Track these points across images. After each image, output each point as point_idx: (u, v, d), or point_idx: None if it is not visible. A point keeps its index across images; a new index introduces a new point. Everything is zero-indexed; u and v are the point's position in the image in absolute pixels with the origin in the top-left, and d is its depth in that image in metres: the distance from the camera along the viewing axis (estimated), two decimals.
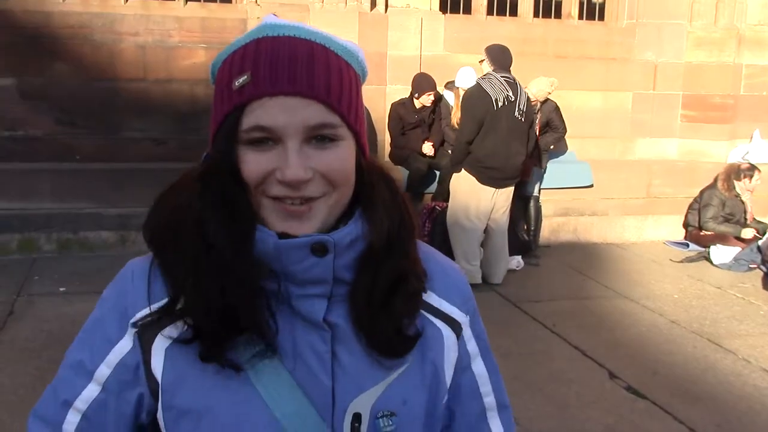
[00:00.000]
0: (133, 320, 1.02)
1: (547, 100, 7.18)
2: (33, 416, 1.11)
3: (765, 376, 4.66)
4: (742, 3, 8.65)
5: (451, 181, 6.29)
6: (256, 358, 0.99)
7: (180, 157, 7.48)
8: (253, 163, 0.96)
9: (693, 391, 4.40)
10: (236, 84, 0.96)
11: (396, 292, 1.03)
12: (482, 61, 6.19)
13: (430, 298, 1.10)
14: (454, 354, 1.13)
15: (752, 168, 7.77)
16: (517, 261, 6.83)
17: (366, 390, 1.02)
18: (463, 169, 6.09)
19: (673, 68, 8.73)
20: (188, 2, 7.61)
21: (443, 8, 8.20)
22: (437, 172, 7.28)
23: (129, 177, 7.05)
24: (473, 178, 6.04)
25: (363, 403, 1.02)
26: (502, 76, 5.95)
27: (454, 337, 1.12)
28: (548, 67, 7.95)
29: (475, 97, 5.98)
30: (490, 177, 6.00)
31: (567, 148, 8.32)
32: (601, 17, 8.84)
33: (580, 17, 8.76)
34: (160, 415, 1.03)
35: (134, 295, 1.04)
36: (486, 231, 6.25)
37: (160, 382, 1.01)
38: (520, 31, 8.25)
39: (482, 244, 6.33)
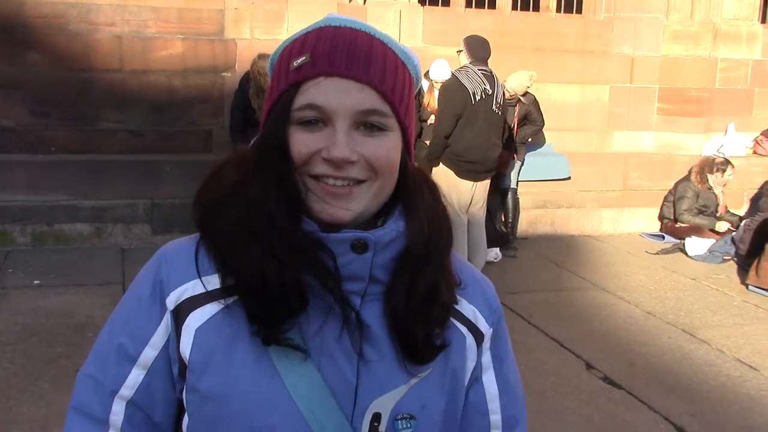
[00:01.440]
0: (168, 298, 1.02)
1: (525, 93, 7.20)
2: (73, 412, 1.09)
3: (738, 366, 4.73)
4: None
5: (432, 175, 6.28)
6: (285, 348, 0.98)
7: (157, 149, 7.43)
8: (301, 142, 0.96)
9: (668, 381, 4.46)
10: (294, 64, 0.97)
11: (431, 301, 1.03)
12: (460, 51, 6.15)
13: (461, 305, 1.10)
14: (472, 363, 1.12)
15: (725, 162, 7.86)
16: (495, 253, 6.85)
17: (388, 391, 1.02)
18: (441, 164, 6.08)
19: (650, 62, 8.80)
20: None
21: (422, 0, 8.20)
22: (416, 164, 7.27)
23: (105, 169, 6.99)
24: (451, 172, 6.02)
25: (384, 404, 1.02)
26: (479, 69, 5.91)
27: (475, 345, 1.12)
28: (526, 60, 7.98)
29: (453, 90, 5.94)
30: (468, 170, 5.99)
31: (545, 141, 8.36)
32: (579, 10, 8.88)
33: (558, 10, 8.80)
34: (183, 395, 1.03)
35: (171, 275, 1.03)
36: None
37: (187, 363, 1.01)
38: (498, 23, 8.27)
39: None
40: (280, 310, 0.97)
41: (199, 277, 1.02)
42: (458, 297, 1.10)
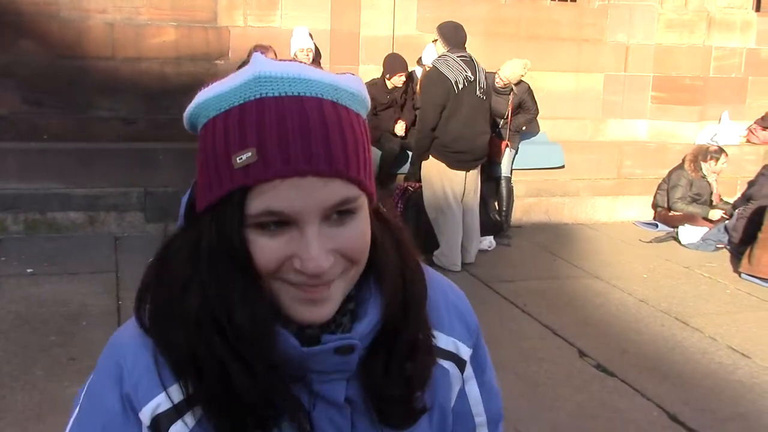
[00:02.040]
0: (143, 414, 0.91)
1: (520, 81, 7.19)
2: None
3: (730, 354, 4.75)
4: None
5: (422, 169, 6.24)
6: None
7: (149, 137, 7.39)
8: (266, 250, 0.84)
9: (661, 369, 4.48)
10: (238, 161, 0.82)
11: (409, 365, 0.97)
12: (435, 41, 6.09)
13: (439, 339, 1.04)
14: (457, 387, 1.10)
15: (719, 151, 7.87)
16: (488, 241, 6.86)
17: None
18: (431, 156, 6.04)
19: (644, 50, 8.79)
20: None
21: None
22: (409, 153, 7.27)
23: (98, 157, 6.96)
24: (442, 164, 5.99)
25: None
26: (458, 56, 5.83)
27: (459, 373, 1.09)
28: (520, 48, 7.96)
29: (434, 81, 5.85)
30: (459, 161, 5.95)
31: (539, 129, 8.36)
32: None
33: None
34: None
35: (137, 389, 0.91)
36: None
37: None
38: (492, 11, 8.24)
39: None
40: (252, 422, 0.90)
41: (165, 391, 0.90)
42: (437, 332, 1.04)
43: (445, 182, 6.03)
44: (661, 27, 8.75)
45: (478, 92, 5.86)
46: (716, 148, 7.97)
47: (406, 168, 7.29)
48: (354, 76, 0.91)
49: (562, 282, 6.12)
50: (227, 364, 0.86)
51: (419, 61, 7.56)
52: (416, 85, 7.55)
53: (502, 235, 7.17)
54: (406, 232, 1.01)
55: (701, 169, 7.85)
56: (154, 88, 7.42)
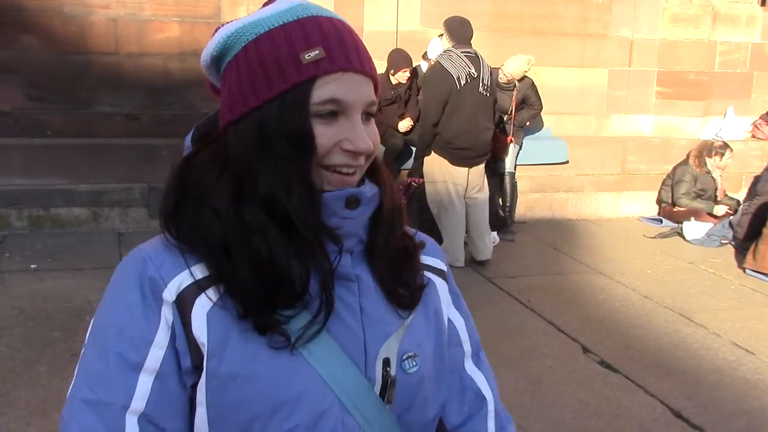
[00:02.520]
0: (166, 291, 0.99)
1: (523, 77, 7.17)
2: None
3: (734, 350, 4.74)
4: None
5: (424, 165, 6.22)
6: (293, 317, 1.00)
7: (153, 133, 7.39)
8: (323, 135, 0.99)
9: (665, 365, 4.47)
10: (307, 57, 0.98)
11: (407, 256, 1.14)
12: (441, 35, 6.05)
13: (422, 256, 1.20)
14: (447, 297, 1.23)
15: (724, 146, 7.85)
16: (492, 237, 6.85)
17: (390, 335, 1.08)
18: (433, 152, 6.01)
19: (649, 45, 8.76)
20: None
21: None
22: (413, 148, 7.26)
23: (101, 153, 6.96)
24: (445, 161, 5.95)
25: (390, 348, 1.07)
26: (462, 52, 5.78)
27: (444, 282, 1.23)
28: (524, 43, 7.94)
29: (437, 77, 5.81)
30: (461, 157, 5.91)
31: (543, 125, 8.34)
32: None
33: None
34: (202, 384, 0.99)
35: (161, 269, 1.00)
36: (466, 210, 6.22)
37: (206, 347, 0.98)
38: (496, 6, 8.21)
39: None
40: (282, 300, 0.99)
41: (189, 269, 1.00)
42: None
43: (447, 178, 6.01)
44: (665, 21, 8.72)
45: (481, 88, 5.82)
46: (721, 143, 7.94)
47: (409, 164, 7.28)
48: None
49: (566, 278, 6.10)
50: (268, 233, 0.99)
51: (424, 56, 7.54)
52: (421, 77, 7.53)
53: (506, 230, 7.16)
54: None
55: (706, 164, 7.83)
56: (158, 83, 7.42)
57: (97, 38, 7.26)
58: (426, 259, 1.21)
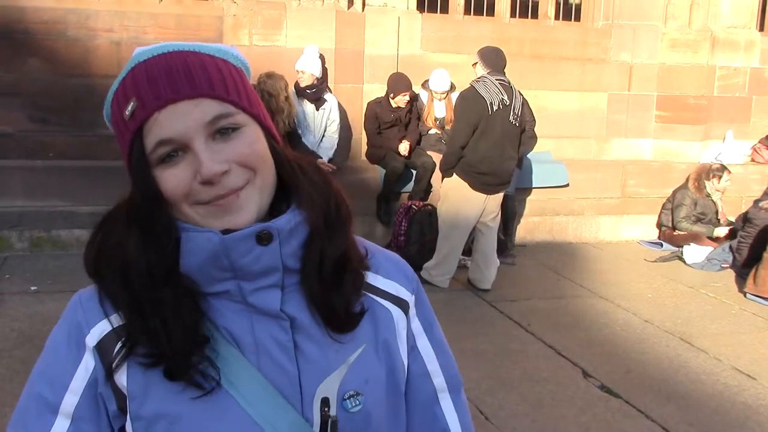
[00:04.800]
0: (89, 337, 1.02)
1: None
2: None
3: (735, 375, 4.72)
4: (716, 5, 8.75)
5: (443, 185, 6.23)
6: (224, 355, 1.00)
7: None
8: (171, 178, 0.97)
9: (665, 390, 4.45)
10: (126, 113, 0.98)
11: (343, 269, 1.06)
12: (475, 64, 6.09)
13: (376, 280, 1.13)
14: (404, 331, 1.15)
15: (722, 168, 7.87)
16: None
17: (329, 374, 1.04)
18: (455, 174, 6.02)
19: (648, 69, 8.81)
20: None
21: (420, 7, 8.21)
22: (413, 171, 7.28)
23: (103, 175, 6.94)
24: (465, 184, 5.94)
25: (329, 387, 1.03)
26: (497, 79, 5.82)
27: (403, 315, 1.15)
28: (524, 67, 7.99)
29: (470, 100, 5.85)
30: (482, 183, 5.88)
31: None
32: (578, 18, 8.91)
33: (557, 18, 8.82)
34: (128, 426, 1.01)
35: (87, 315, 1.03)
36: (475, 235, 6.19)
37: (126, 392, 1.00)
38: (496, 31, 8.28)
39: (471, 249, 6.31)
40: (177, 359, 0.98)
41: (107, 318, 1.02)
42: (373, 275, 1.13)
43: (462, 202, 5.98)
44: (664, 46, 8.78)
45: (511, 117, 5.82)
46: (718, 165, 7.96)
47: (410, 187, 7.30)
48: (228, 45, 1.08)
49: (567, 301, 6.09)
50: (144, 304, 0.98)
51: (424, 85, 7.57)
52: (421, 107, 7.57)
53: (507, 254, 7.15)
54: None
55: (705, 187, 7.84)
56: None
57: (101, 61, 7.31)
58: (384, 284, 1.14)
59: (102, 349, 1.01)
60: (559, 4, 8.79)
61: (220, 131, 0.98)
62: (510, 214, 7.41)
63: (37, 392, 1.03)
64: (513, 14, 8.64)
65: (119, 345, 1.00)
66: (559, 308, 5.89)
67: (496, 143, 5.81)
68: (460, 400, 1.23)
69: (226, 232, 0.98)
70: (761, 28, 9.29)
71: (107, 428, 1.03)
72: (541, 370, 4.67)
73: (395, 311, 1.14)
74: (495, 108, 5.74)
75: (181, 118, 0.95)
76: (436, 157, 7.48)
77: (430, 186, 7.20)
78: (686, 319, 5.76)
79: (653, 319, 5.70)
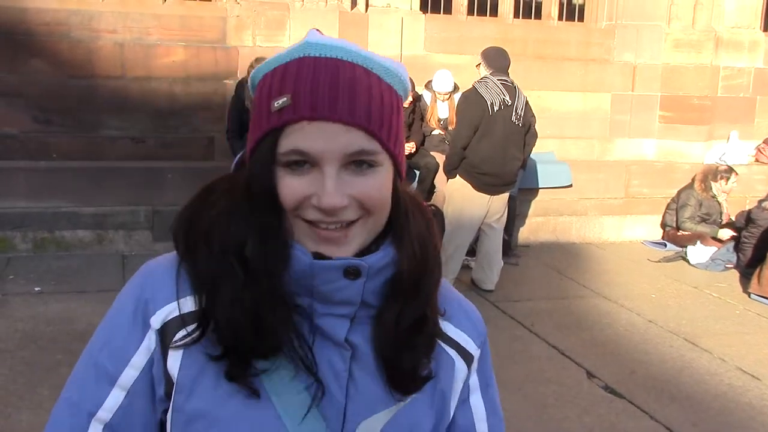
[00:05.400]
0: (154, 317, 1.00)
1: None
2: None
3: (740, 375, 4.71)
4: (720, 5, 8.73)
5: (447, 186, 6.21)
6: (272, 370, 0.98)
7: (158, 156, 7.43)
8: (289, 187, 0.94)
9: (669, 390, 4.44)
10: (275, 105, 0.94)
11: (419, 330, 1.03)
12: (479, 65, 6.08)
13: (447, 327, 1.11)
14: (461, 384, 1.13)
15: (729, 170, 7.85)
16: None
17: (377, 412, 1.02)
18: (458, 175, 5.99)
19: (652, 69, 8.80)
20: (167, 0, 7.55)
21: (423, 8, 8.21)
22: (417, 172, 7.28)
23: (106, 175, 6.99)
24: (468, 185, 5.92)
25: (372, 426, 1.02)
26: (499, 80, 5.79)
27: (465, 368, 1.13)
28: (527, 67, 7.98)
29: (471, 101, 5.84)
30: (485, 183, 5.87)
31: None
32: (581, 18, 8.89)
33: (560, 18, 8.81)
34: (169, 415, 1.01)
35: (156, 294, 1.02)
36: (479, 236, 6.18)
37: (175, 382, 0.99)
38: (500, 31, 8.27)
39: (475, 250, 6.30)
40: (251, 353, 0.97)
41: (177, 301, 1.00)
42: (445, 322, 1.10)
43: (466, 203, 5.98)
44: (668, 47, 8.77)
45: (513, 117, 5.78)
46: (726, 167, 7.95)
47: (413, 187, 7.28)
48: (397, 61, 1.03)
49: (570, 302, 6.09)
50: (240, 290, 0.96)
51: (428, 85, 7.57)
52: (424, 108, 7.56)
53: (510, 254, 7.14)
54: (436, 223, 1.09)
55: (711, 188, 7.83)
56: (163, 107, 7.47)
57: (104, 62, 7.33)
58: (453, 333, 1.11)
59: (164, 332, 1.00)
60: (563, 4, 8.78)
61: (356, 163, 0.95)
62: (512, 215, 7.40)
63: (97, 361, 1.03)
64: (516, 15, 8.64)
65: (182, 333, 0.99)
66: (563, 309, 5.88)
67: (498, 144, 5.79)
68: None
69: (318, 255, 0.97)
70: (765, 29, 9.26)
71: (156, 408, 1.03)
72: (544, 370, 4.66)
73: (459, 362, 1.12)
74: (496, 108, 5.73)
75: (326, 138, 0.92)
76: (440, 158, 7.47)
77: (433, 187, 7.20)
78: (690, 319, 5.75)
79: (657, 320, 5.69)
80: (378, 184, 0.96)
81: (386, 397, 1.03)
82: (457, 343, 1.11)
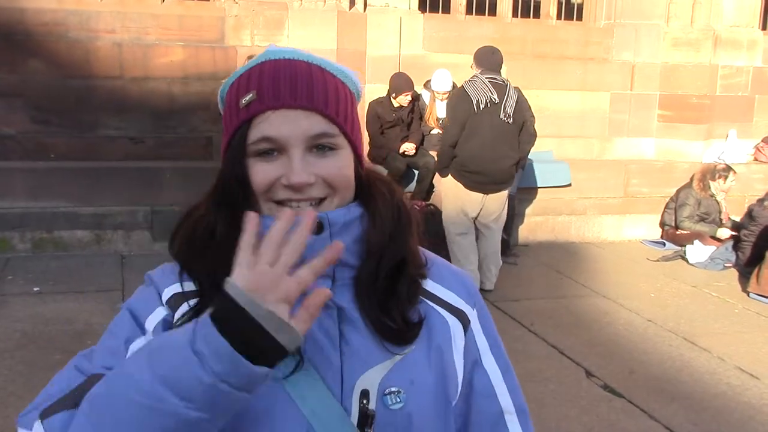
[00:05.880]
0: (164, 294, 1.09)
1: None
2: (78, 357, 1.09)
3: (739, 374, 4.71)
4: (718, 4, 8.74)
5: (441, 185, 6.21)
6: None
7: (157, 156, 7.43)
8: (261, 172, 1.04)
9: (669, 390, 4.44)
10: (243, 102, 1.05)
11: (398, 279, 1.09)
12: (473, 65, 6.09)
13: (435, 288, 1.16)
14: (461, 342, 1.16)
15: (728, 169, 7.85)
16: None
17: (372, 367, 1.05)
18: (450, 175, 5.98)
19: (650, 68, 8.80)
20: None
21: (422, 7, 8.21)
22: (416, 172, 7.28)
23: (105, 176, 6.98)
24: (459, 184, 5.91)
25: (370, 380, 1.05)
26: (487, 78, 5.77)
27: (460, 326, 1.16)
28: (526, 67, 7.99)
29: (456, 99, 5.86)
30: (475, 182, 5.85)
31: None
32: (579, 17, 8.90)
33: (559, 17, 8.81)
34: None
35: (163, 280, 1.12)
36: (478, 236, 6.16)
37: None
38: (498, 30, 8.27)
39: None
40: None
41: (180, 282, 1.10)
42: (434, 283, 1.16)
43: (458, 203, 5.97)
44: (666, 46, 8.77)
45: (502, 115, 5.74)
46: (724, 166, 7.95)
47: (412, 187, 7.30)
48: (347, 68, 1.14)
49: (569, 301, 6.09)
50: (221, 259, 1.00)
51: (426, 84, 7.57)
52: (423, 107, 7.56)
53: (509, 253, 7.14)
54: (407, 200, 1.18)
55: (710, 187, 7.83)
56: (162, 107, 7.46)
57: (102, 62, 7.32)
58: (442, 293, 1.16)
59: (170, 305, 1.08)
60: (561, 3, 8.79)
61: (319, 147, 1.05)
62: (511, 214, 7.40)
63: (127, 314, 1.10)
64: (515, 14, 8.64)
65: (185, 306, 1.06)
66: (562, 308, 5.88)
67: (486, 142, 5.77)
68: (527, 424, 1.23)
69: None
70: (764, 27, 9.28)
71: None
72: (543, 369, 4.66)
73: (452, 320, 1.15)
74: (482, 106, 5.70)
75: (290, 123, 1.03)
76: None
77: (432, 186, 7.20)
78: (689, 318, 5.75)
79: (656, 319, 5.69)
80: (339, 164, 1.07)
81: (381, 352, 1.06)
82: (447, 303, 1.16)
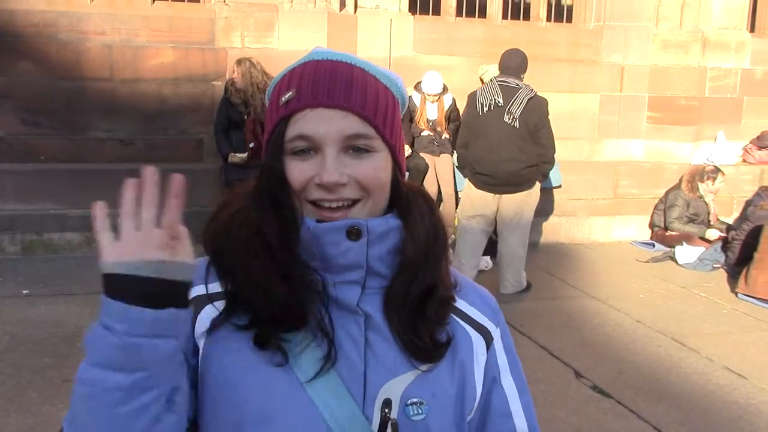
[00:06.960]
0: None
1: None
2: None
3: (727, 375, 4.74)
4: (707, 6, 8.78)
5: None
6: (295, 342, 1.04)
7: (147, 158, 7.40)
8: (296, 170, 1.05)
9: (657, 390, 4.46)
10: (282, 99, 1.07)
11: (429, 296, 1.10)
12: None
13: (460, 304, 1.17)
14: (483, 358, 1.18)
15: (716, 171, 7.90)
16: (485, 261, 6.86)
17: (396, 376, 1.06)
18: (467, 174, 6.14)
19: (639, 70, 8.84)
20: (155, 1, 7.53)
21: (412, 9, 8.22)
22: (407, 173, 7.28)
23: (95, 178, 6.95)
24: (471, 184, 6.07)
25: (393, 389, 1.06)
26: (498, 80, 5.82)
27: (483, 343, 1.18)
28: None
29: (468, 102, 6.02)
30: (483, 182, 5.95)
31: None
32: (569, 19, 8.93)
33: (548, 19, 8.84)
34: (199, 376, 1.06)
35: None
36: (498, 239, 6.29)
37: (201, 348, 1.06)
38: (488, 32, 8.30)
39: (495, 252, 6.37)
40: (277, 325, 1.03)
41: (205, 284, 1.09)
42: (457, 298, 1.16)
43: (467, 200, 6.17)
44: (655, 48, 8.82)
45: (506, 118, 5.72)
46: (713, 167, 7.99)
47: None
48: (394, 73, 1.15)
49: (559, 302, 6.11)
50: (266, 266, 1.04)
51: (417, 87, 7.57)
52: (413, 109, 7.57)
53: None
54: (441, 215, 1.18)
55: (698, 189, 7.87)
56: (152, 109, 7.45)
57: (92, 64, 7.30)
58: (466, 309, 1.18)
59: (194, 303, 1.06)
60: (551, 5, 8.81)
61: (355, 148, 1.05)
62: None
63: None
64: (505, 16, 8.66)
65: (209, 308, 1.07)
66: (552, 309, 5.91)
67: (491, 144, 5.81)
68: None
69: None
70: (752, 29, 9.33)
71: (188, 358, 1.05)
72: (533, 370, 4.67)
73: (475, 336, 1.17)
74: (486, 110, 5.75)
75: (325, 123, 1.04)
76: (429, 159, 7.50)
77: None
78: (678, 319, 5.78)
79: (645, 320, 5.72)
80: (374, 166, 1.06)
81: (405, 362, 1.07)
82: (472, 319, 1.17)
